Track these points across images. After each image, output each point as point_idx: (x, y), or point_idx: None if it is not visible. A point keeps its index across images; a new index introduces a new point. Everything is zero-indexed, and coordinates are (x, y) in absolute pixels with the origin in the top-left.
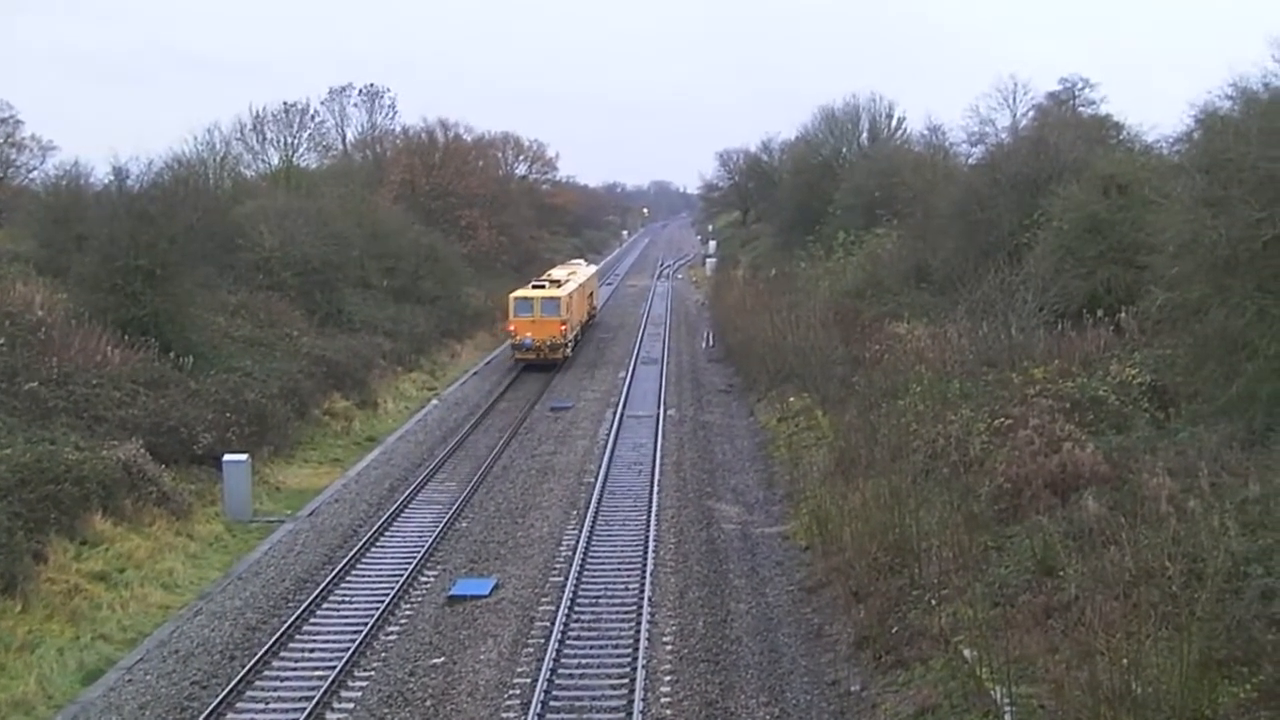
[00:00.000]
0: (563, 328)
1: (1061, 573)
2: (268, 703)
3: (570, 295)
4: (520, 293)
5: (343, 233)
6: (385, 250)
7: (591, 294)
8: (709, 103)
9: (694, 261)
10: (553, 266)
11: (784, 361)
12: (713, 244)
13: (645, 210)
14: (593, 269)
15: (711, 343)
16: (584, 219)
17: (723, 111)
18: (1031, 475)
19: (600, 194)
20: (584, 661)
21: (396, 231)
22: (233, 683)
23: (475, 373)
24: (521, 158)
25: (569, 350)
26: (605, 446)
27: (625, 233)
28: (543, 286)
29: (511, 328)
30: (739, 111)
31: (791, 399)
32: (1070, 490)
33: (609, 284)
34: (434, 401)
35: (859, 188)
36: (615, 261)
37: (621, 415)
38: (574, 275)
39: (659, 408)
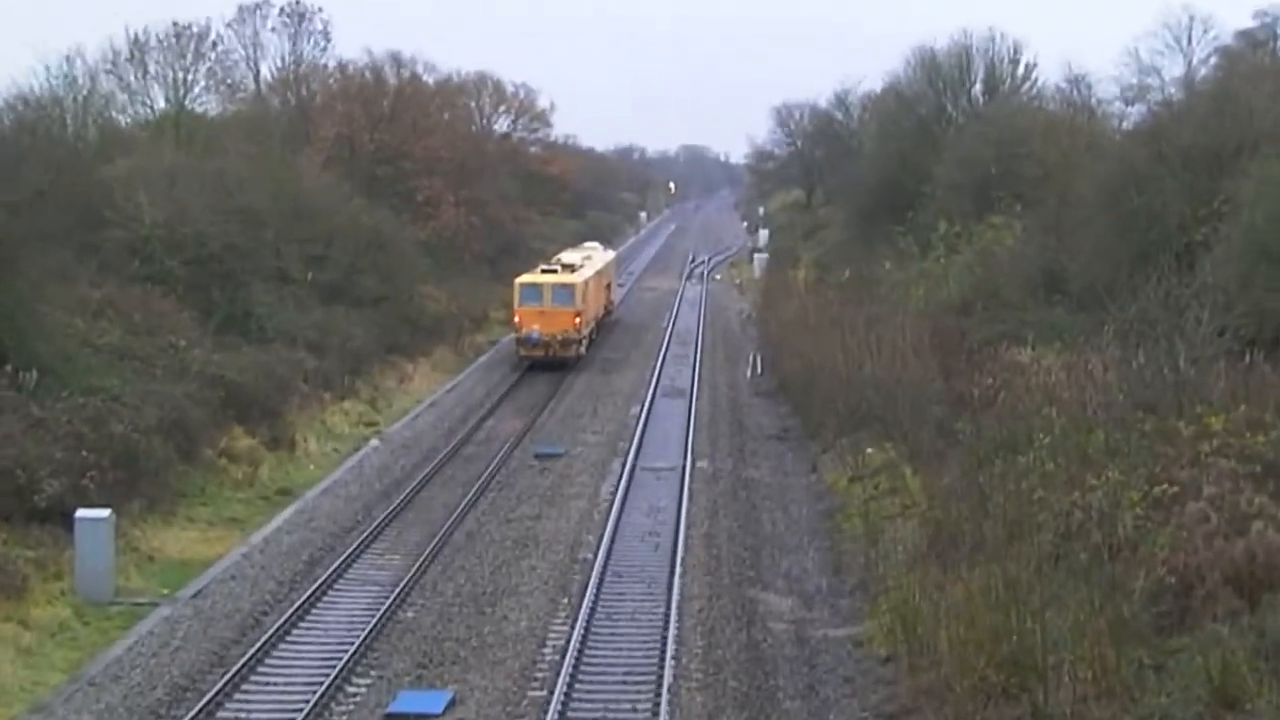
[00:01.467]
0: (576, 320)
1: (1249, 706)
2: None
3: (586, 282)
4: (527, 278)
5: (253, 207)
6: (312, 233)
7: (609, 284)
8: (766, 37)
9: (738, 257)
10: (544, 258)
11: (860, 399)
12: (763, 234)
13: (672, 185)
14: (610, 254)
15: (759, 370)
16: (588, 195)
17: (783, 50)
18: (1206, 566)
19: (611, 161)
20: None
21: (328, 207)
22: None
23: (432, 403)
24: (503, 109)
25: (583, 348)
26: (609, 510)
27: (644, 215)
28: (554, 271)
29: (516, 319)
30: (805, 53)
31: (869, 451)
32: (1261, 589)
33: (620, 285)
34: (374, 442)
35: (969, 160)
36: (629, 255)
37: (633, 467)
38: (589, 260)
39: (685, 458)
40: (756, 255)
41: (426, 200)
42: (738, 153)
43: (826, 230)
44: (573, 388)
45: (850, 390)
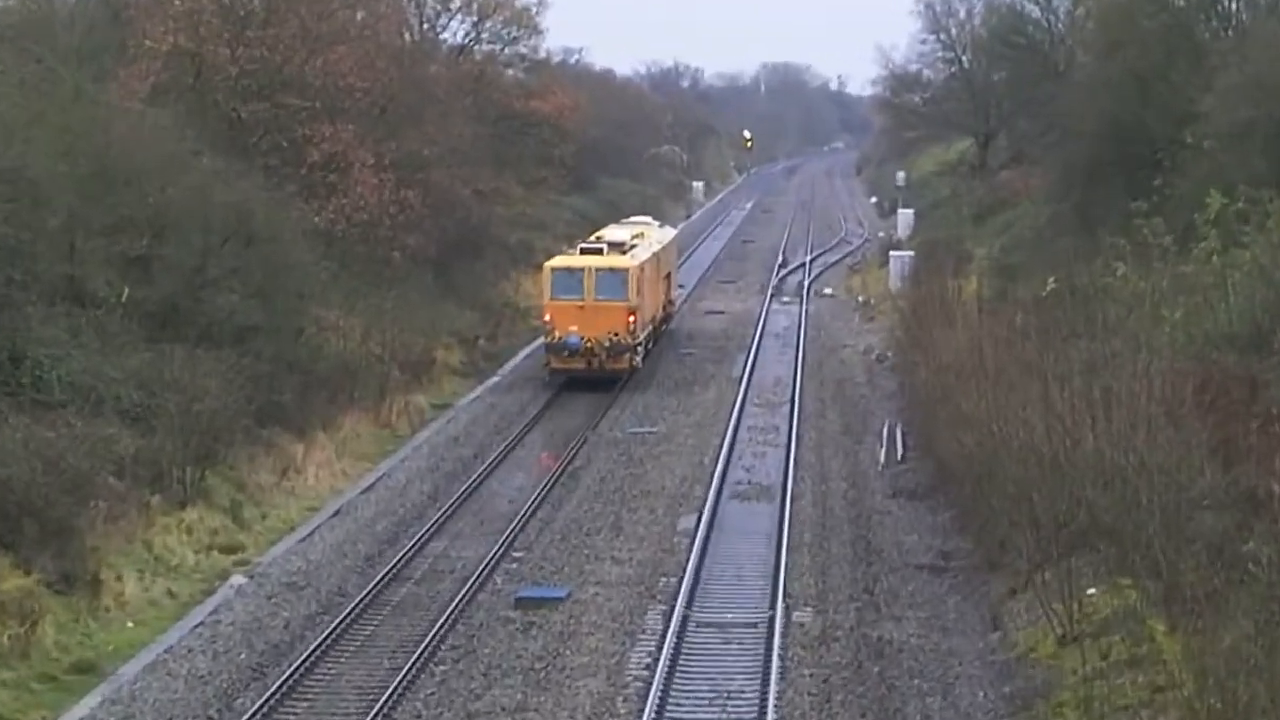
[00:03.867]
0: (630, 319)
1: None
2: None
3: (642, 267)
4: (561, 261)
5: (25, 171)
6: (129, 215)
7: (669, 275)
8: None
9: (862, 257)
10: (528, 257)
11: (1076, 501)
12: (905, 217)
13: (747, 136)
14: (669, 232)
15: (900, 452)
16: (604, 152)
17: None
18: None
19: (642, 95)
20: None
21: (156, 172)
22: None
23: (339, 512)
24: (458, 4)
25: (638, 358)
26: (647, 704)
27: (698, 186)
28: (598, 251)
29: (547, 317)
30: None
31: (1092, 591)
32: None
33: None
34: (237, 581)
35: (1263, 87)
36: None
37: (681, 624)
38: (643, 239)
39: (773, 605)
40: (894, 255)
41: (328, 162)
42: (860, 77)
43: (1014, 209)
44: (580, 481)
45: (1059, 486)
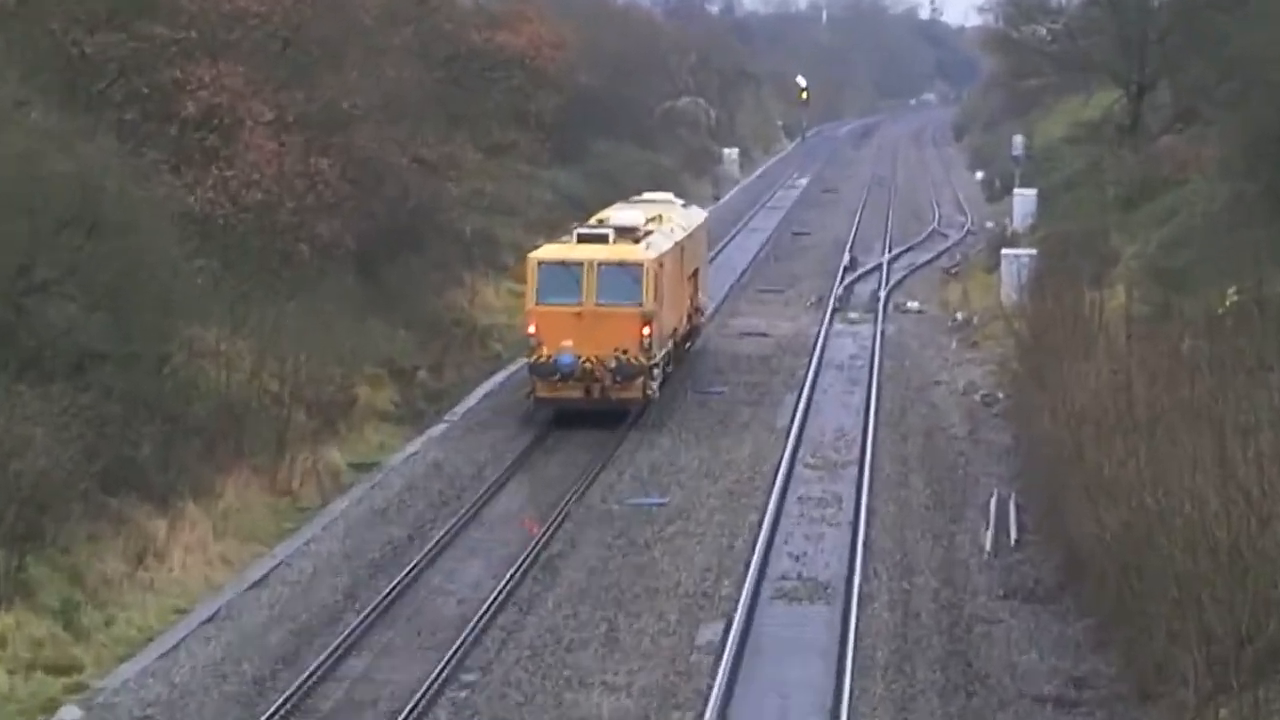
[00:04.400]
0: (645, 331)
1: None
2: None
3: (661, 261)
4: (552, 252)
5: None
6: None
7: (696, 273)
8: None
9: (961, 255)
10: (492, 257)
11: (1263, 608)
12: (1022, 200)
13: (802, 85)
14: (698, 215)
15: (1016, 533)
16: (595, 106)
17: None
18: None
19: (656, 30)
20: None
21: None
22: None
23: (215, 617)
24: None
25: (654, 385)
26: None
27: (731, 155)
28: (601, 239)
29: (532, 328)
30: None
31: None
32: None
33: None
34: (68, 716)
35: None
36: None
37: None
38: (662, 223)
39: None
40: (1008, 255)
41: (207, 117)
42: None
43: (1179, 190)
44: (559, 573)
45: (1241, 584)
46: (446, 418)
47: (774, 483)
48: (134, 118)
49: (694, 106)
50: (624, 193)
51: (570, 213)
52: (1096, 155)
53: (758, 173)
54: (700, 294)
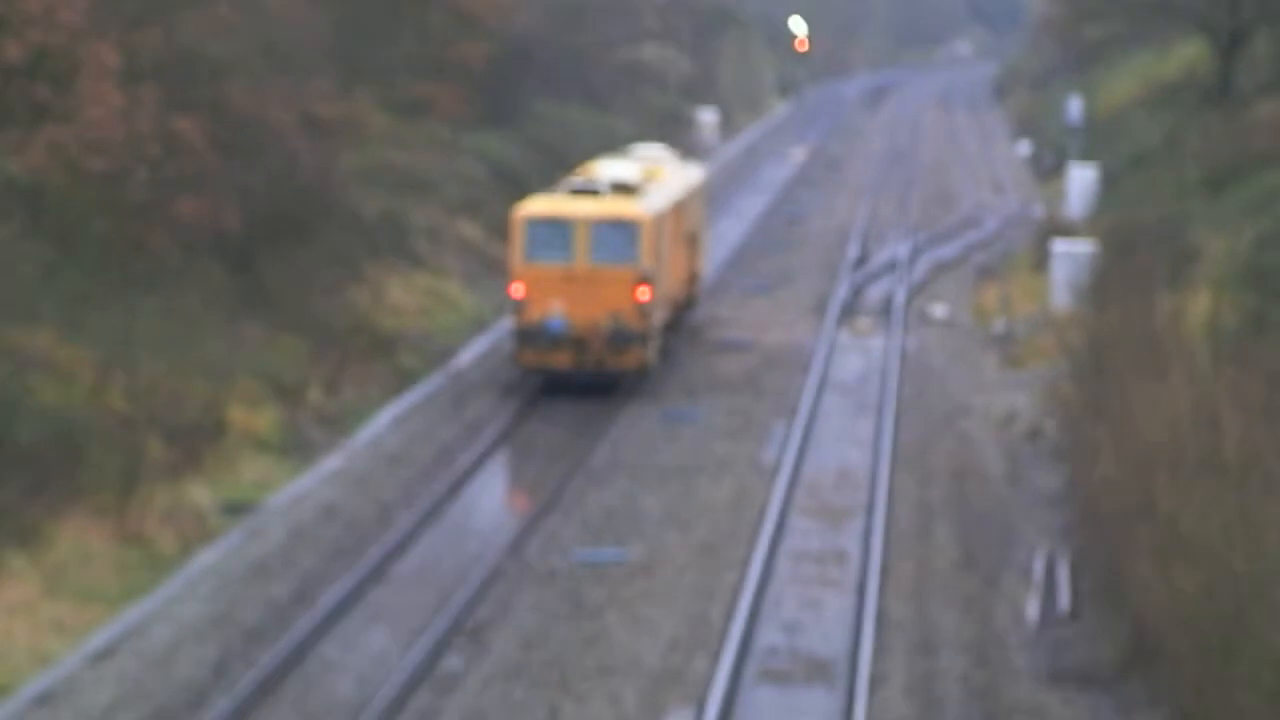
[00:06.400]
0: (642, 294)
1: None
2: None
3: (659, 219)
4: (541, 206)
5: None
6: None
7: (695, 234)
8: None
9: (1002, 249)
10: (401, 246)
11: None
12: (1081, 180)
13: (799, 31)
14: (695, 173)
15: (1068, 600)
16: (536, 55)
17: None
18: None
19: None
20: None
21: None
22: None
23: (45, 698)
24: None
25: (649, 351)
26: None
27: (708, 123)
28: (594, 191)
29: (518, 288)
30: None
31: None
32: None
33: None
34: None
35: None
36: None
37: None
38: (657, 179)
39: None
40: (1061, 249)
41: (36, 62)
42: None
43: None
44: (489, 645)
45: None
46: (342, 447)
47: (759, 533)
48: None
49: (660, 56)
50: (568, 163)
51: (501, 189)
52: (1175, 124)
53: (742, 142)
54: (699, 258)
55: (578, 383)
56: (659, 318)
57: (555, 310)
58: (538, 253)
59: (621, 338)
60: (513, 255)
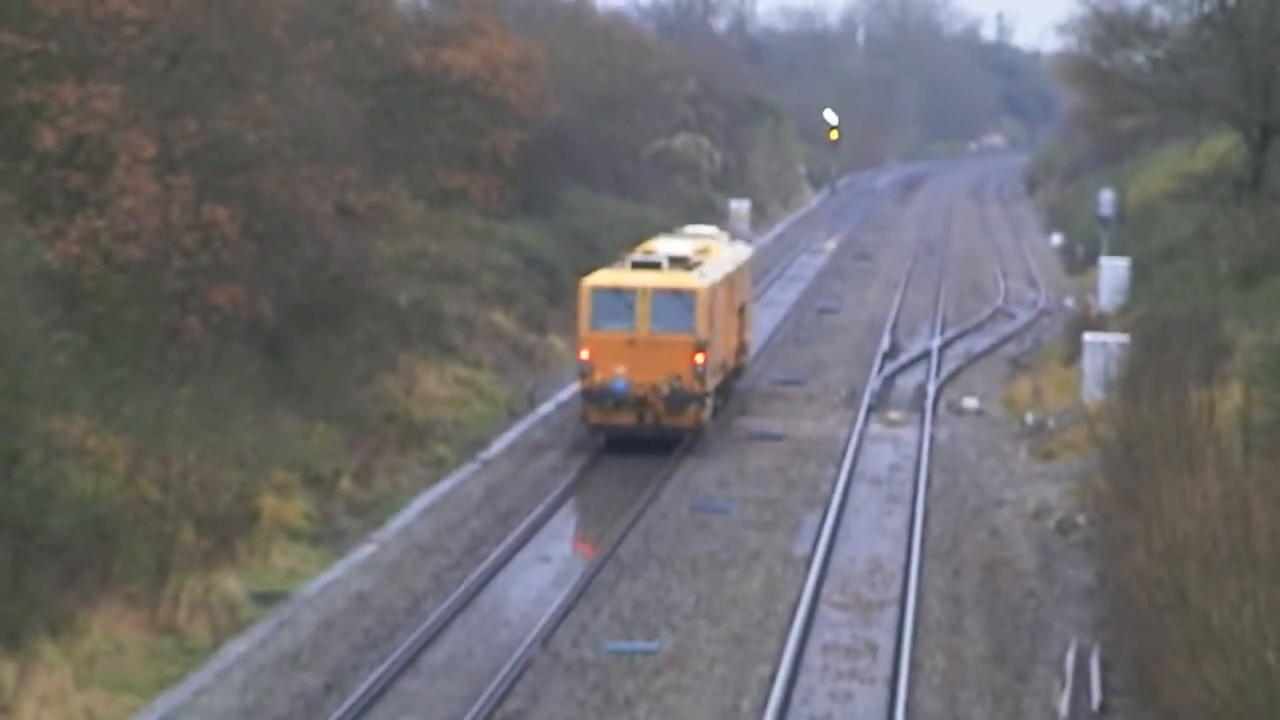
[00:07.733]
0: (698, 359)
1: None
2: None
3: (713, 291)
4: (606, 278)
5: None
6: None
7: (744, 307)
8: None
9: (1033, 341)
10: (428, 334)
11: None
12: (1113, 272)
13: (832, 122)
14: (744, 250)
15: (1100, 697)
16: (569, 145)
17: None
18: None
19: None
20: None
21: None
22: None
23: None
24: None
25: (706, 412)
26: None
27: (741, 212)
28: (655, 265)
29: (585, 354)
30: None
31: None
32: None
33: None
34: None
35: None
36: None
37: None
38: (710, 255)
39: None
40: (1093, 341)
41: (73, 151)
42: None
43: None
44: None
45: None
46: (375, 538)
47: (791, 626)
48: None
49: (693, 147)
50: (601, 254)
51: (534, 280)
52: (1206, 217)
53: (774, 232)
54: (748, 330)
55: (640, 439)
56: (713, 381)
57: (619, 373)
58: (603, 321)
59: (680, 399)
60: (580, 323)
